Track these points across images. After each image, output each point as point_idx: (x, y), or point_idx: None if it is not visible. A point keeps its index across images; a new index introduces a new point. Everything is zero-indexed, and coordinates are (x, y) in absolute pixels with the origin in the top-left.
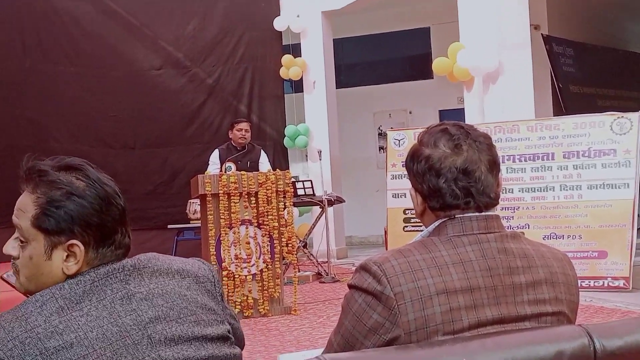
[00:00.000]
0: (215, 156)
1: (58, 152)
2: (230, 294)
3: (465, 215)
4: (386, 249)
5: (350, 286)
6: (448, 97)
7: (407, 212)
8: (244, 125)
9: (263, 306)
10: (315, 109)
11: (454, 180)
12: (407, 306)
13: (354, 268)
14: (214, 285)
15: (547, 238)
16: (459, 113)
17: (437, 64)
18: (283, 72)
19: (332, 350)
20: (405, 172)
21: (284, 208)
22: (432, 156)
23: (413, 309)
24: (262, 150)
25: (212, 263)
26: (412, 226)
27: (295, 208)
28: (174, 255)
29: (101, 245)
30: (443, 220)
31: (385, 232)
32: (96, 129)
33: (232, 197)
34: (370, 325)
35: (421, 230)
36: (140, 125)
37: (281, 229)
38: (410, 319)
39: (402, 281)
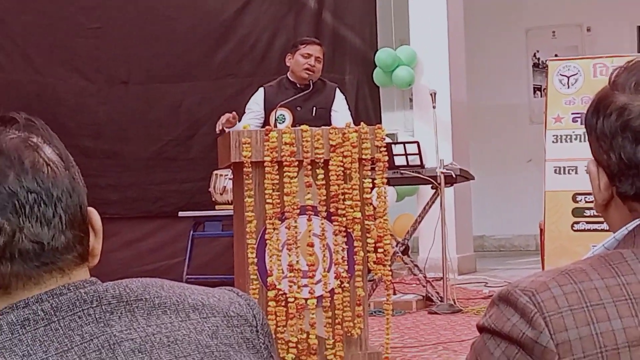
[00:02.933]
0: (258, 98)
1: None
2: (279, 329)
3: None
4: (542, 260)
5: (483, 328)
6: None
7: (579, 198)
8: (314, 50)
9: (333, 351)
10: (428, 23)
11: None
12: None
13: (486, 291)
14: (257, 330)
15: None
16: None
17: None
18: None
19: None
20: (578, 132)
21: (372, 188)
22: (630, 107)
23: None
24: (336, 90)
25: (251, 277)
26: (588, 222)
27: (392, 188)
28: (188, 263)
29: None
30: None
31: (542, 232)
32: (65, 49)
33: (286, 169)
34: None
35: (604, 232)
36: (137, 45)
37: (367, 222)
38: None
39: (570, 323)
